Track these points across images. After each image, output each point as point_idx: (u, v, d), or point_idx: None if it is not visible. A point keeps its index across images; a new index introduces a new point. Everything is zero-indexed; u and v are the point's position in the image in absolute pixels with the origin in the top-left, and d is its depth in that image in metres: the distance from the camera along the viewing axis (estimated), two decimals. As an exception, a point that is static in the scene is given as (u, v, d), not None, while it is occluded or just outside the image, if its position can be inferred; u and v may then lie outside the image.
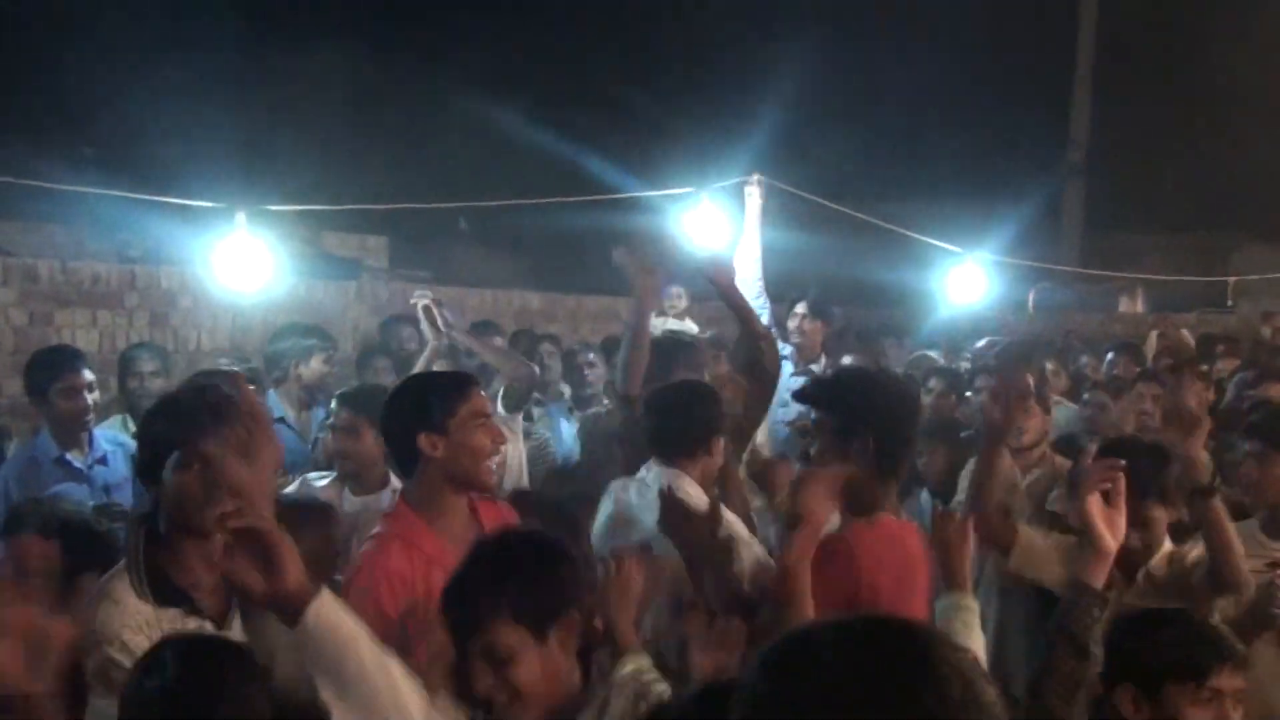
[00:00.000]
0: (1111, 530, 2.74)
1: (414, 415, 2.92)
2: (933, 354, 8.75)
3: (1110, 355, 8.07)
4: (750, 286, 5.50)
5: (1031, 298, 17.02)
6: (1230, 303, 14.97)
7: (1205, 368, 7.89)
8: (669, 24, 16.78)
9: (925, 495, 5.34)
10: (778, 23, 15.78)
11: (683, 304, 8.55)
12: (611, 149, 11.35)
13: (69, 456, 4.73)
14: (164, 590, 2.47)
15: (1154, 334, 11.18)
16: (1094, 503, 2.76)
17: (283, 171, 10.16)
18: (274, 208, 5.96)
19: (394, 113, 13.96)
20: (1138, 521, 2.86)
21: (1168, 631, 2.60)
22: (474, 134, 14.53)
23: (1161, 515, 3.50)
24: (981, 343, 8.70)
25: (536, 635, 2.22)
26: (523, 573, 2.26)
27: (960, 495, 4.55)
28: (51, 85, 11.55)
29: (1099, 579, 2.73)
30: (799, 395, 3.18)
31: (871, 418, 2.92)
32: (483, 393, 3.05)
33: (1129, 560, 3.31)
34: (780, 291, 6.30)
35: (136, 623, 2.36)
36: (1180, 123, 18.14)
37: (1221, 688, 2.51)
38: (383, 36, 14.91)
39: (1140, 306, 16.89)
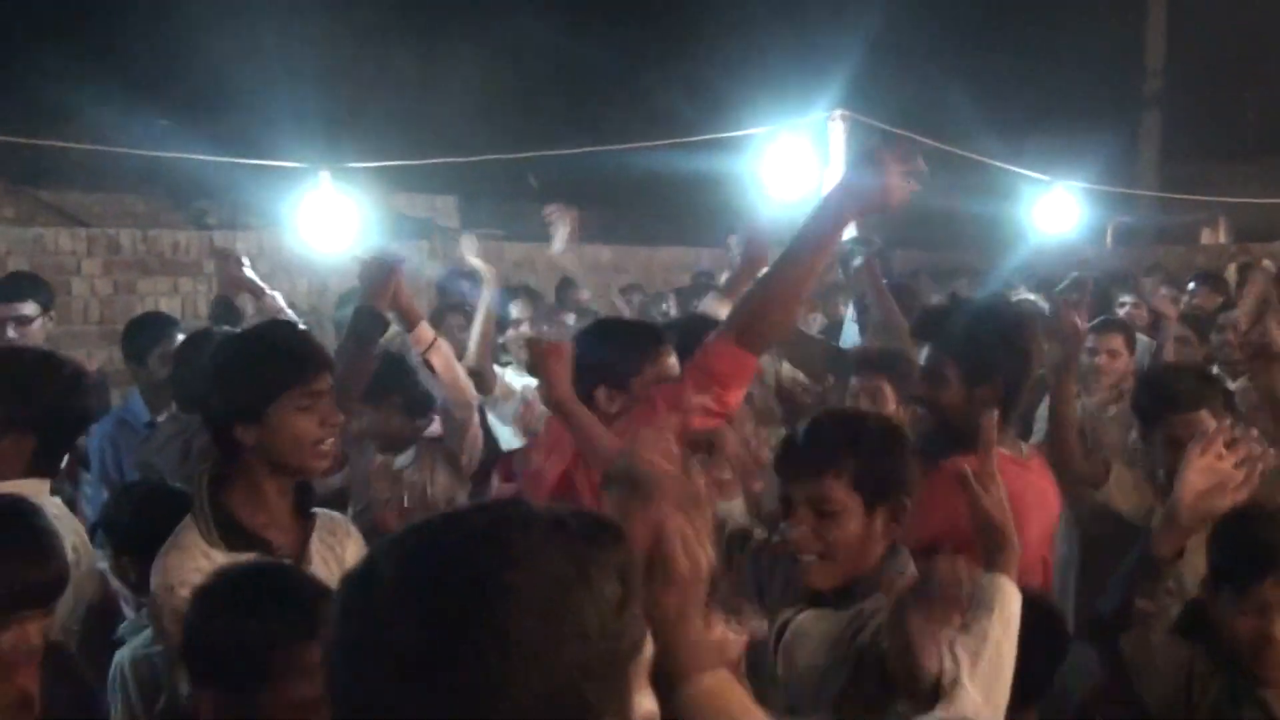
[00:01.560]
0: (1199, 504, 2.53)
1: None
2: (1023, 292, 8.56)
3: (1191, 286, 7.82)
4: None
5: (1110, 231, 16.64)
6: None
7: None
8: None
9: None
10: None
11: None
12: (687, 88, 11.20)
13: (159, 421, 4.78)
14: (234, 535, 2.49)
15: (1232, 265, 10.85)
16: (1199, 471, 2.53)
17: (359, 132, 10.16)
18: (357, 164, 5.95)
19: (463, 69, 13.88)
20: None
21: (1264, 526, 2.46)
22: (545, 85, 14.43)
23: None
24: (1064, 283, 8.49)
25: (866, 506, 2.32)
26: (872, 447, 2.37)
27: (1036, 437, 4.39)
28: (126, 52, 11.64)
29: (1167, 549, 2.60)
30: (918, 329, 3.08)
31: (1003, 358, 2.81)
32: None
33: None
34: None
35: (206, 567, 2.35)
36: (1258, 48, 17.55)
37: None
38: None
39: (1222, 237, 16.42)
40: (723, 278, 5.68)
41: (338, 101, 12.50)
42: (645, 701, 1.16)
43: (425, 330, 3.57)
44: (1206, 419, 3.24)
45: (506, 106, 14.05)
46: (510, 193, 12.46)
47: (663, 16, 15.49)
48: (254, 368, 2.56)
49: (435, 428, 3.98)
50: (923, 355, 3.02)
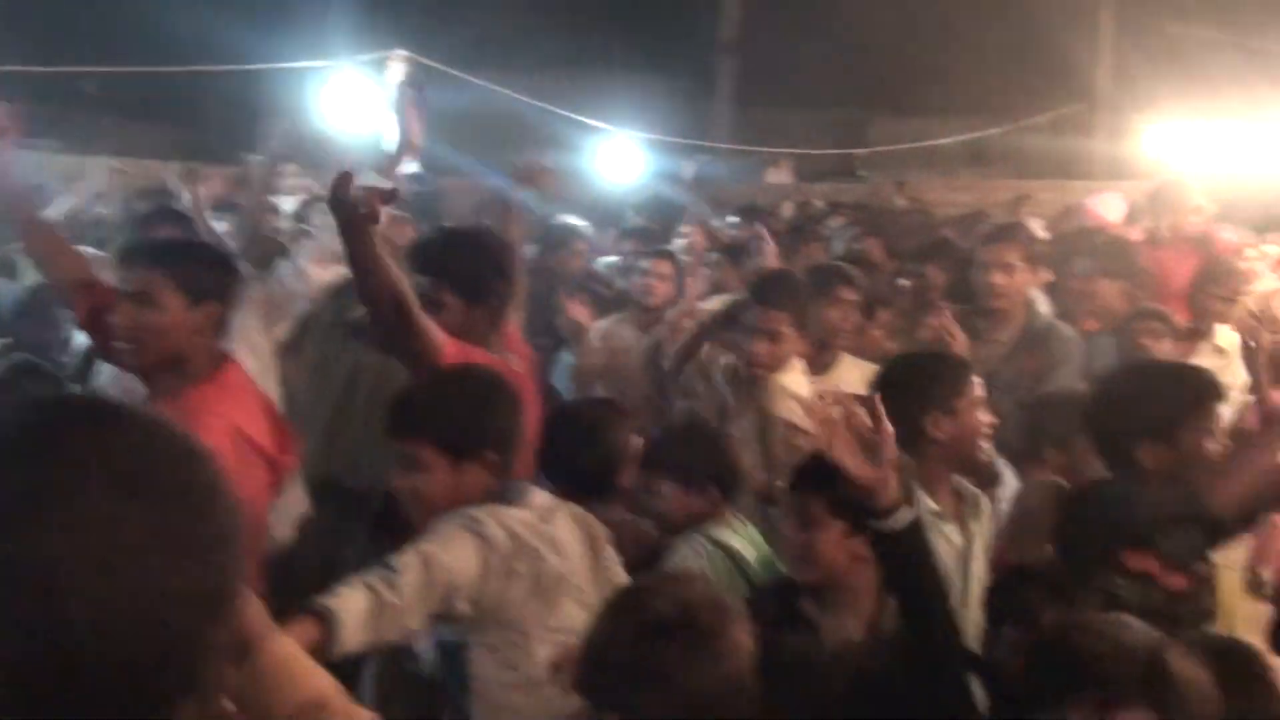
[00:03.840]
0: None
1: None
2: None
3: (731, 219, 8.47)
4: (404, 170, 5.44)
5: (689, 171, 17.67)
6: (860, 172, 16.18)
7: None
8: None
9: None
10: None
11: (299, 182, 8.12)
12: (250, 14, 10.70)
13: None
14: None
15: (788, 202, 12.08)
16: None
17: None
18: None
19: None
20: None
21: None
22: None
23: None
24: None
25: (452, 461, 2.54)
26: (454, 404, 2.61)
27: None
28: None
29: None
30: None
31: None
32: None
33: None
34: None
35: None
36: (823, 3, 19.06)
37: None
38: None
39: (787, 178, 17.90)
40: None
41: None
42: None
43: None
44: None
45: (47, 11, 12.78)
46: (62, 99, 11.46)
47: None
48: None
49: None
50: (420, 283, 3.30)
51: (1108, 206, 7.86)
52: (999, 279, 4.22)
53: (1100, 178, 14.45)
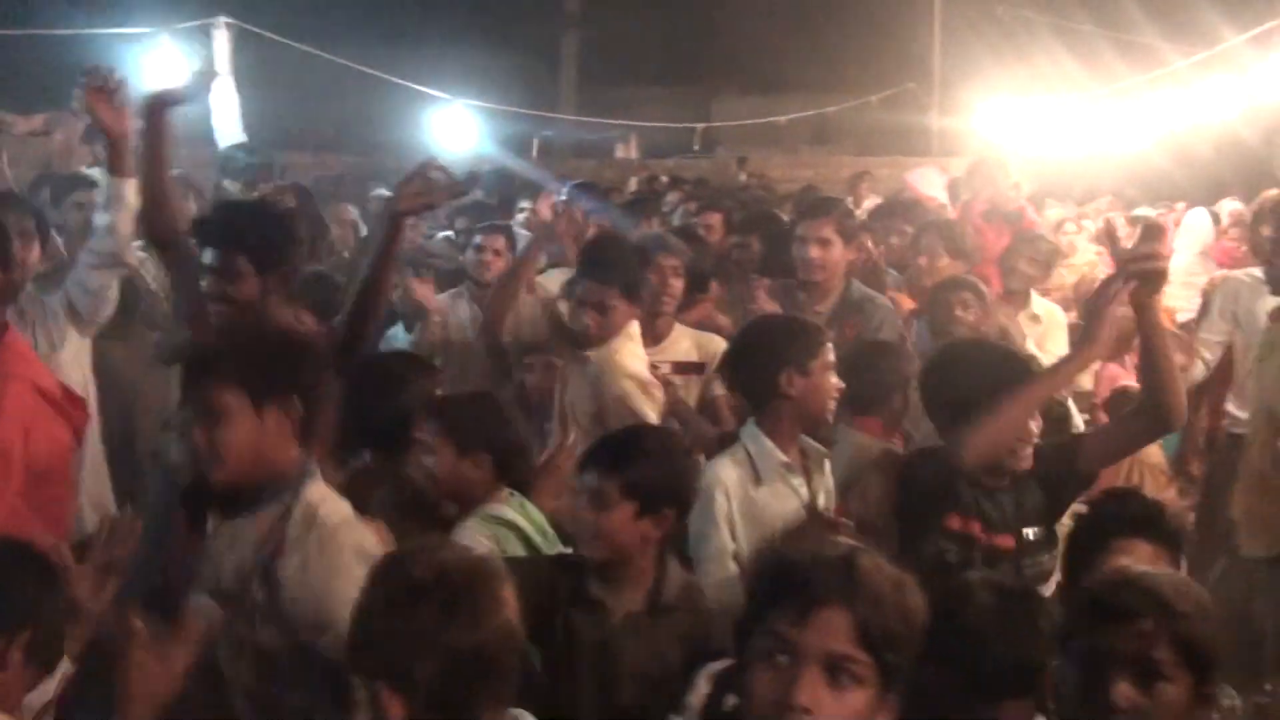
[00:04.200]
0: None
1: None
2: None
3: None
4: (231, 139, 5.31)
5: (536, 145, 17.66)
6: (696, 147, 16.42)
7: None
8: None
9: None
10: None
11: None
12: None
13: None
14: None
15: (634, 179, 12.19)
16: None
17: None
18: None
19: None
20: None
21: None
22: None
23: None
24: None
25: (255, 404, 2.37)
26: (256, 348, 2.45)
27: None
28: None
29: None
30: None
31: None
32: None
33: None
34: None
35: None
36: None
37: None
38: None
39: (634, 153, 17.99)
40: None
41: None
42: None
43: None
44: None
45: None
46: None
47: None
48: None
49: None
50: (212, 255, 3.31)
51: (927, 181, 8.12)
52: (815, 253, 4.31)
53: (936, 154, 14.97)
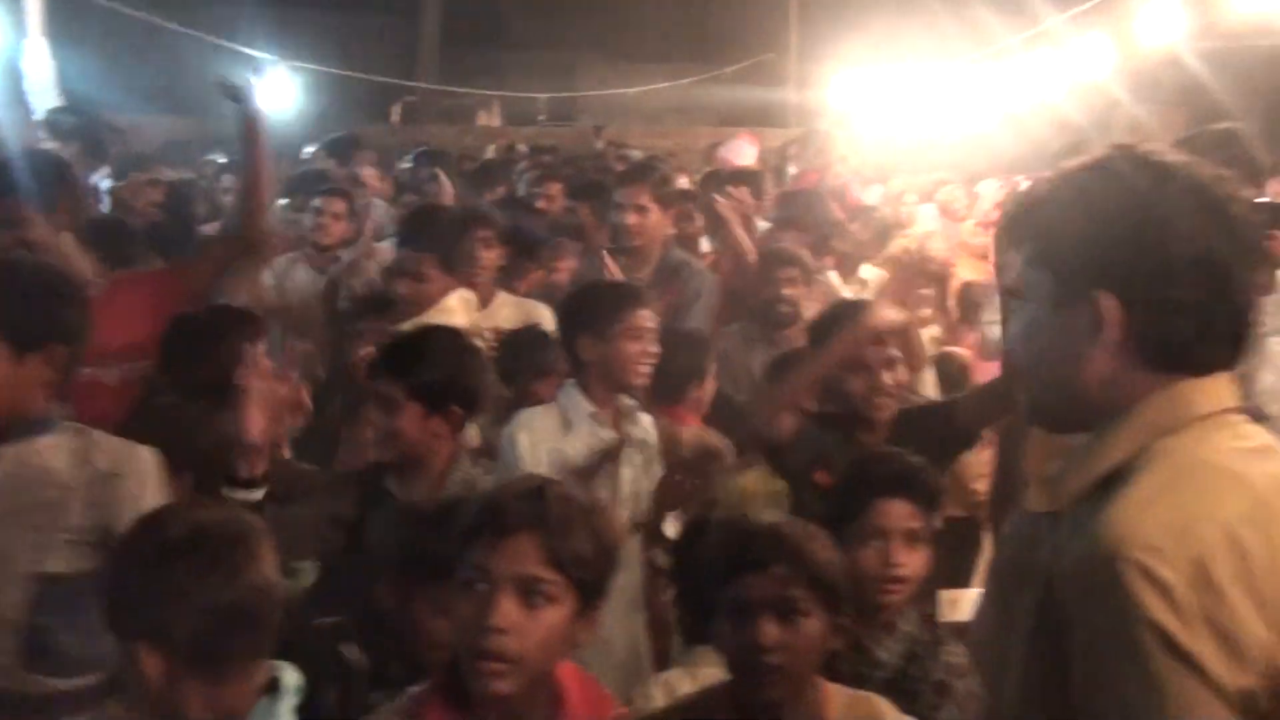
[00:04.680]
0: None
1: None
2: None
3: (409, 163, 8.45)
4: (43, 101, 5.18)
5: (398, 109, 17.40)
6: (541, 117, 16.49)
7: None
8: None
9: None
10: None
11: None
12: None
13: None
14: None
15: (492, 146, 12.20)
16: None
17: None
18: None
19: None
20: None
21: None
22: None
23: None
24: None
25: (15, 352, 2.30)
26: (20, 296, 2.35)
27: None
28: None
29: None
30: None
31: None
32: None
33: None
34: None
35: None
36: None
37: None
38: None
39: (497, 120, 17.87)
40: None
41: None
42: None
43: None
44: None
45: None
46: None
47: None
48: None
49: None
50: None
51: (739, 152, 8.32)
52: (632, 219, 4.42)
53: (792, 124, 15.23)
